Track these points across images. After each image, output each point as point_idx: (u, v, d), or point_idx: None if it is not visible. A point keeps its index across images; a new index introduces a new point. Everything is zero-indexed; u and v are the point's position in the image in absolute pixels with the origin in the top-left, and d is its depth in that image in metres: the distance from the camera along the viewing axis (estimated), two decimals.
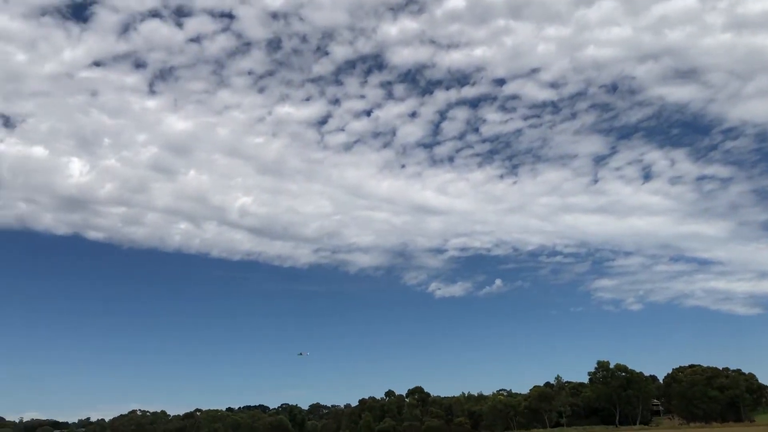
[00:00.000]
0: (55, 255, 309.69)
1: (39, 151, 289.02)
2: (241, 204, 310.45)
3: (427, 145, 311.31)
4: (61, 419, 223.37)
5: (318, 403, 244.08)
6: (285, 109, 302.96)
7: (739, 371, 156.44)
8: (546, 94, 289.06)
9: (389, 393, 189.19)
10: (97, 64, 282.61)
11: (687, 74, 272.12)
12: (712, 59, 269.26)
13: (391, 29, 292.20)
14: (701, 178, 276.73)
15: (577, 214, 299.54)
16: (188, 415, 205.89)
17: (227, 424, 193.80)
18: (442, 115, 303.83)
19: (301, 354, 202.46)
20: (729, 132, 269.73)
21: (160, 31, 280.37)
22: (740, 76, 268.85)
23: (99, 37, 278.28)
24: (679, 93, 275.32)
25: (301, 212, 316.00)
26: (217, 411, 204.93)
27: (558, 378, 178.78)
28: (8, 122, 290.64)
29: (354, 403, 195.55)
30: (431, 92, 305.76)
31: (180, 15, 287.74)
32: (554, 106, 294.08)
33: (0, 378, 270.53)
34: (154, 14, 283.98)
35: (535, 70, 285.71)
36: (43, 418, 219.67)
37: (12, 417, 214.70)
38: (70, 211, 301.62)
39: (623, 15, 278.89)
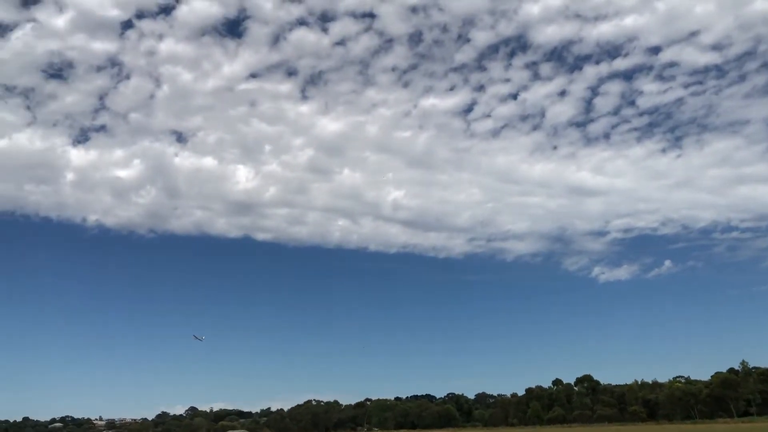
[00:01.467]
0: (229, 256, 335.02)
1: (209, 161, 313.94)
2: (394, 198, 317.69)
3: (580, 124, 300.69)
4: (245, 409, 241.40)
5: (484, 393, 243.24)
6: (430, 101, 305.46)
7: None
8: (708, 58, 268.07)
9: (557, 382, 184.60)
10: (253, 75, 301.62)
11: None
12: None
13: (533, 8, 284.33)
14: None
15: (753, 185, 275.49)
16: (359, 405, 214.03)
17: (396, 413, 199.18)
18: (594, 90, 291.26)
19: (196, 337, 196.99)
20: None
21: (307, 38, 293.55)
22: None
23: (253, 50, 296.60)
24: None
25: (453, 202, 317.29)
26: (386, 400, 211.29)
27: (744, 363, 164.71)
28: (181, 137, 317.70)
29: (520, 392, 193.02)
30: (580, 68, 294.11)
31: (324, 20, 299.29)
32: (719, 70, 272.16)
33: (194, 373, 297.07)
34: (301, 22, 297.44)
35: (693, 34, 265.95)
36: (230, 408, 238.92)
37: (204, 407, 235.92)
38: (240, 215, 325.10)
39: None
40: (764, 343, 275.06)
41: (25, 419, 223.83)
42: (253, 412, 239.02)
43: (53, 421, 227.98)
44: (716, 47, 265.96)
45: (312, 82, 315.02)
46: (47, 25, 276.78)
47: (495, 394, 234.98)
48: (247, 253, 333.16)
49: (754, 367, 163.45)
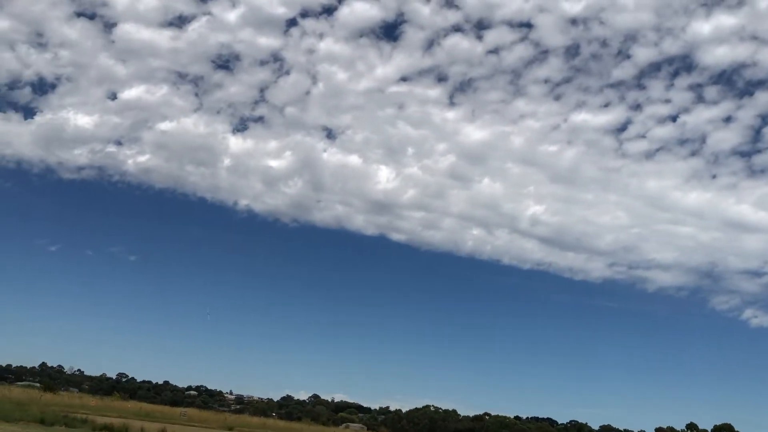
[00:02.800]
0: (365, 253, 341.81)
1: (354, 159, 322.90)
2: (533, 212, 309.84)
3: (744, 154, 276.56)
4: (364, 404, 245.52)
5: (609, 425, 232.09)
6: (581, 116, 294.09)
7: None
8: None
9: (691, 426, 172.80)
10: (404, 79, 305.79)
11: None
12: None
13: (704, 26, 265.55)
14: None
15: None
16: (478, 418, 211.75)
17: (514, 431, 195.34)
18: (764, 119, 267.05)
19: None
20: None
21: (461, 44, 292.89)
22: None
23: (406, 53, 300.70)
24: None
25: (596, 223, 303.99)
26: (505, 417, 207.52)
27: None
28: (331, 134, 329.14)
29: (649, 430, 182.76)
30: (751, 93, 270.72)
31: (480, 28, 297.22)
32: None
33: (320, 363, 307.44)
34: (457, 29, 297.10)
35: None
36: (350, 401, 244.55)
37: (326, 396, 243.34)
38: (378, 214, 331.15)
39: None
40: None
41: (166, 383, 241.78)
42: (372, 408, 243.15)
43: (189, 388, 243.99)
44: None
45: (461, 89, 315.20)
46: (220, 19, 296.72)
47: (622, 429, 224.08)
48: (381, 251, 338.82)
49: None
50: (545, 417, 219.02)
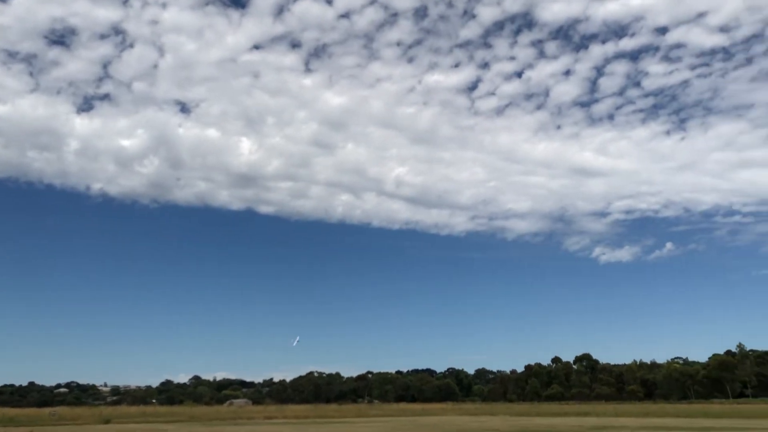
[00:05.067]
0: (232, 228, 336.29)
1: (212, 133, 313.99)
2: (397, 174, 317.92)
3: (584, 104, 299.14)
4: (248, 379, 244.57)
5: (484, 368, 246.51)
6: (434, 77, 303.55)
7: None
8: (715, 40, 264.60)
9: (556, 359, 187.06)
10: (256, 47, 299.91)
11: None
12: None
13: None
14: None
15: (756, 170, 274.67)
16: (361, 377, 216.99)
17: (397, 386, 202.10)
18: (599, 71, 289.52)
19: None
20: None
21: (311, 10, 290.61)
22: None
23: (257, 20, 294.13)
24: None
25: (456, 180, 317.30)
26: (387, 374, 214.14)
27: (740, 346, 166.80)
28: (184, 108, 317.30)
29: (519, 369, 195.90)
30: (586, 47, 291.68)
31: None
32: (726, 53, 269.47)
33: (198, 343, 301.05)
34: None
35: (701, 15, 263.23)
36: (233, 377, 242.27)
37: (207, 376, 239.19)
38: (243, 188, 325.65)
39: None
40: (762, 327, 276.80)
41: (31, 384, 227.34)
42: (256, 382, 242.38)
43: (58, 386, 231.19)
44: (723, 29, 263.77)
45: (316, 55, 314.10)
46: None
47: (495, 370, 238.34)
48: (249, 225, 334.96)
49: (751, 350, 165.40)
50: (425, 368, 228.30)
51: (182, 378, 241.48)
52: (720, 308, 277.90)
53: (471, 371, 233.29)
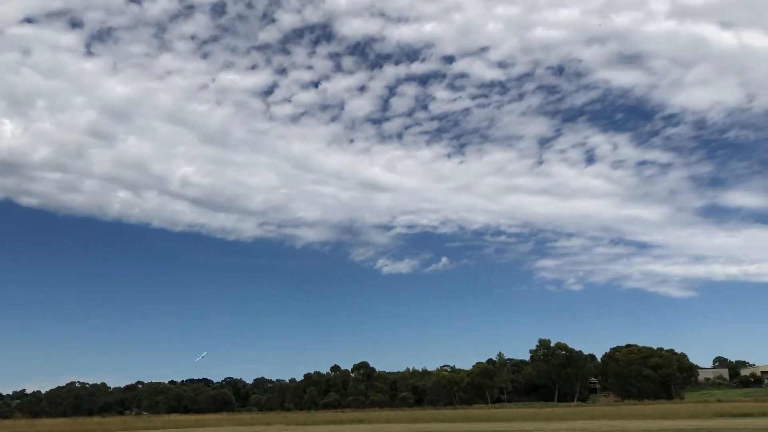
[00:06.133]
0: None
1: None
2: (183, 174, 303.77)
3: (376, 121, 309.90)
4: None
5: (263, 377, 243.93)
6: (230, 77, 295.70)
7: (672, 351, 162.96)
8: (494, 74, 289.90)
9: (335, 368, 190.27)
10: (29, 20, 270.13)
11: (631, 59, 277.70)
12: (655, 46, 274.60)
13: None
14: (642, 163, 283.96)
15: (521, 195, 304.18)
16: (129, 387, 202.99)
17: (169, 397, 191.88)
18: (391, 90, 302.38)
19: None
20: (670, 119, 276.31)
21: None
22: (682, 63, 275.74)
23: None
24: (623, 78, 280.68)
25: (246, 184, 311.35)
26: (159, 384, 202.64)
27: (500, 355, 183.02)
28: None
29: (299, 378, 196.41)
30: (380, 66, 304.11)
31: None
32: (502, 86, 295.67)
33: None
34: None
35: (484, 49, 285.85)
36: None
37: None
38: (1, 175, 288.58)
39: None
40: (518, 337, 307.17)
41: None
42: (4, 394, 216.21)
43: None
44: (502, 65, 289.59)
45: (100, 38, 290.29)
46: None
47: (274, 379, 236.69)
48: (7, 217, 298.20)
49: (509, 359, 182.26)
50: (201, 378, 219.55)
51: None
52: (486, 320, 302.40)
53: (250, 381, 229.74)
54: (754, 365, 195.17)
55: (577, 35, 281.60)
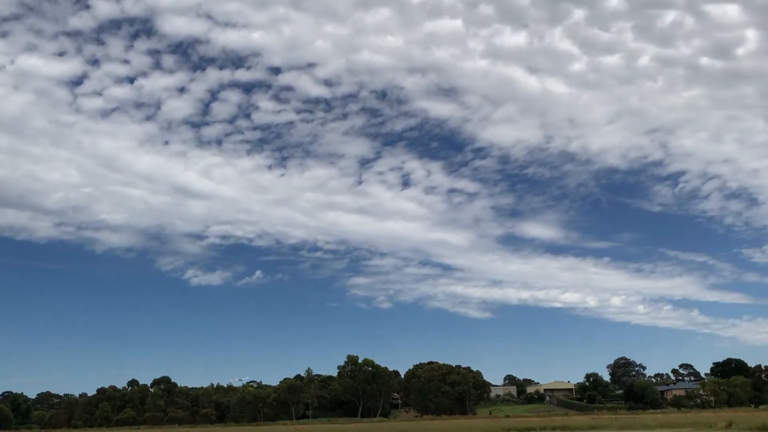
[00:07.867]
0: None
1: None
2: None
3: (195, 125, 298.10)
4: None
5: (48, 392, 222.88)
6: (32, 61, 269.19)
7: (468, 369, 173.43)
8: (320, 90, 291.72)
9: (132, 382, 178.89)
10: None
11: (448, 92, 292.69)
12: (470, 82, 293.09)
13: None
14: (452, 191, 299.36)
15: (339, 213, 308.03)
16: None
17: None
18: (214, 95, 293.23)
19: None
20: (479, 151, 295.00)
21: None
22: (492, 101, 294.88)
23: None
24: (440, 109, 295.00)
25: (43, 180, 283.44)
26: None
27: (309, 371, 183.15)
28: None
29: (91, 393, 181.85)
30: (203, 69, 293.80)
31: None
32: (327, 104, 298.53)
33: None
34: None
35: (311, 65, 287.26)
36: None
37: None
38: None
39: (397, 25, 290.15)
40: (328, 354, 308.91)
41: None
42: None
43: None
44: (328, 83, 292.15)
45: None
46: None
47: (61, 393, 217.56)
48: None
49: (317, 374, 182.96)
50: None
51: None
52: (297, 335, 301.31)
53: (32, 395, 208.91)
54: (538, 383, 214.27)
55: (400, 63, 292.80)
